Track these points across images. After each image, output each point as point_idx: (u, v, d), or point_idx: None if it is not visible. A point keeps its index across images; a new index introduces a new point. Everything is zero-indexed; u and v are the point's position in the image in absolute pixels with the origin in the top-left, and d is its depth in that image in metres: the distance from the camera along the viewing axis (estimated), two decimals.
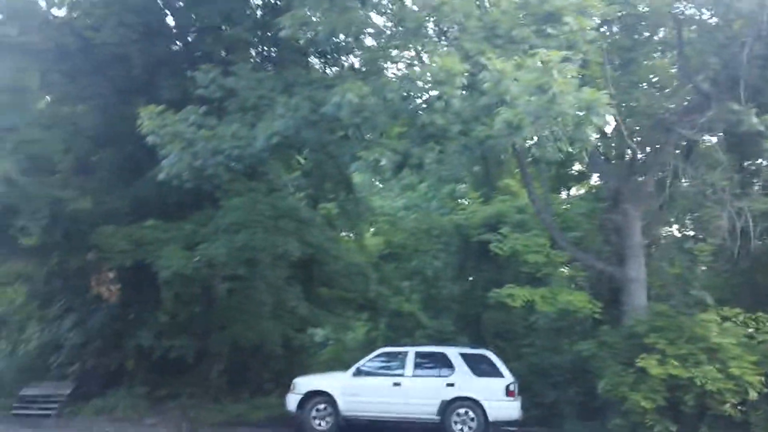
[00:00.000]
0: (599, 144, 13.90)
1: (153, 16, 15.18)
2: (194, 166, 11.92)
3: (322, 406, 13.21)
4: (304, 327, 16.91)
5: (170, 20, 15.75)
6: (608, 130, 13.98)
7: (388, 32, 12.51)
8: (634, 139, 13.92)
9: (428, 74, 10.84)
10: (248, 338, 14.75)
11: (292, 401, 13.45)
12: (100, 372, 15.59)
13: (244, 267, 13.79)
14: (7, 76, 14.81)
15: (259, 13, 15.10)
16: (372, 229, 19.61)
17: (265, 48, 15.09)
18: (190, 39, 15.43)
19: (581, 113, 9.63)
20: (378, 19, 12.57)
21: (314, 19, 11.89)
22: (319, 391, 13.31)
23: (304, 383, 13.57)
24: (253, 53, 15.14)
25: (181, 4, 15.56)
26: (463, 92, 10.54)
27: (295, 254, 13.92)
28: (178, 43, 15.56)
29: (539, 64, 9.52)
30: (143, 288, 15.26)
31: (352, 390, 13.18)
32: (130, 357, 15.59)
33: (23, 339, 17.05)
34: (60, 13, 15.46)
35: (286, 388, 13.73)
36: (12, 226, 14.30)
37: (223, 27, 14.61)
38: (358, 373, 13.42)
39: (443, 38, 12.15)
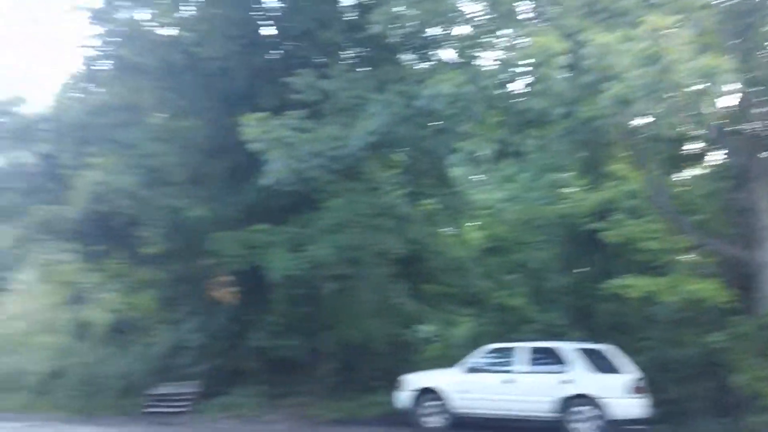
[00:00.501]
0: (722, 118, 12.17)
1: (252, 27, 15.05)
2: (295, 170, 11.56)
3: (431, 403, 12.59)
4: (409, 324, 16.22)
5: (268, 30, 15.50)
6: (731, 101, 12.22)
7: (481, 20, 11.54)
8: (760, 111, 12.11)
9: (525, 57, 9.83)
10: (355, 336, 14.27)
11: (401, 398, 12.90)
12: (223, 371, 15.55)
13: (348, 266, 13.28)
14: (125, 95, 15.16)
15: (350, 14, 14.56)
16: (473, 223, 18.55)
17: (358, 48, 14.52)
18: (287, 46, 15.10)
19: (700, 83, 8.26)
20: (469, 8, 11.65)
21: (404, 13, 11.19)
22: (428, 388, 12.69)
23: (412, 380, 13.00)
24: (347, 55, 14.60)
25: (278, 13, 15.29)
26: (563, 74, 9.45)
27: (397, 251, 13.27)
28: (276, 51, 15.27)
29: (647, 33, 8.24)
30: (257, 290, 15.13)
31: (462, 387, 12.45)
32: (248, 357, 15.45)
33: (153, 341, 17.37)
34: (168, 32, 15.56)
35: (395, 385, 13.13)
36: (137, 236, 14.58)
37: (317, 32, 14.14)
38: (468, 369, 12.67)
39: (539, 19, 11.03)
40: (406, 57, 13.91)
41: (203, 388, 15.40)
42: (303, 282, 13.54)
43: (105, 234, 15.25)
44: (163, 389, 15.57)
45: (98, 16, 14.83)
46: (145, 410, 15.26)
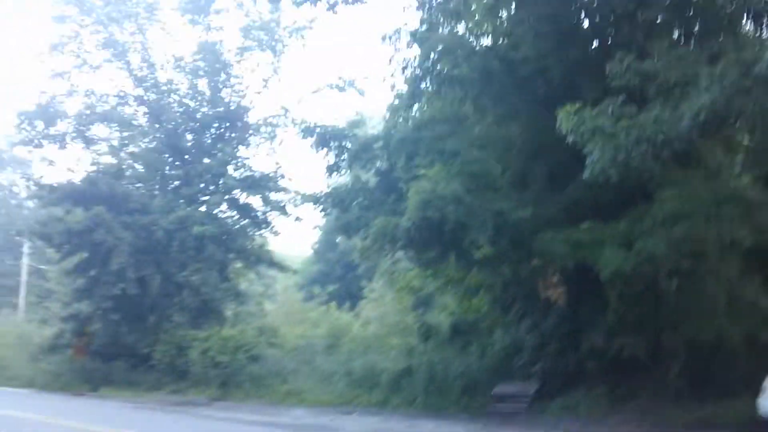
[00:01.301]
0: None
1: (566, 21, 15.75)
2: (618, 160, 11.91)
3: None
4: None
5: (583, 21, 16.07)
6: None
7: None
8: None
9: None
10: (704, 336, 13.77)
11: (763, 406, 12.10)
12: (560, 372, 16.39)
13: (688, 260, 13.01)
14: (446, 108, 17.15)
15: None
16: None
17: (686, 24, 14.20)
18: (604, 34, 15.50)
19: None
20: None
21: None
22: None
23: None
24: (673, 32, 14.38)
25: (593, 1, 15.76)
26: None
27: (746, 242, 12.56)
28: (593, 41, 15.76)
29: None
30: (588, 289, 15.66)
31: None
32: (585, 357, 16.01)
33: (491, 342, 19.01)
34: (484, 41, 17.19)
35: (758, 390, 12.40)
36: (464, 240, 16.30)
37: (637, 12, 14.24)
38: None
39: None
40: (742, 25, 13.24)
41: (541, 388, 16.45)
42: (638, 279, 13.65)
43: (437, 240, 17.25)
44: (502, 389, 17.04)
45: (417, 37, 17.09)
46: (488, 409, 16.83)
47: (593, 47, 15.75)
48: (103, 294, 26.24)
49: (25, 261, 56.01)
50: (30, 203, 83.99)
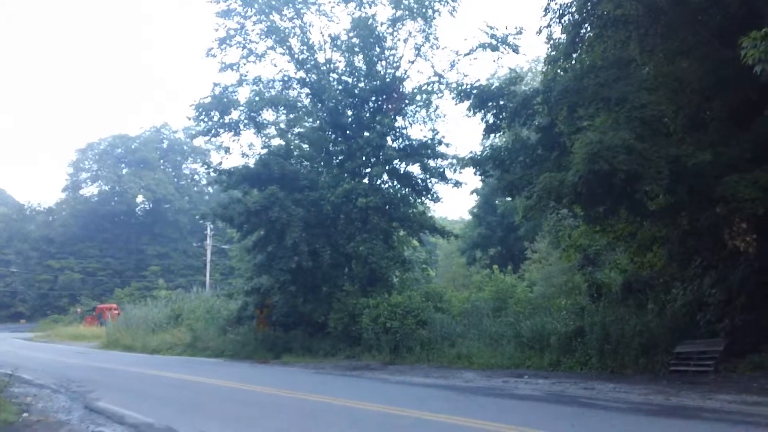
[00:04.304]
0: None
1: None
2: None
3: None
4: None
5: None
6: None
7: None
8: None
9: None
10: None
11: None
12: (750, 327, 14.99)
13: None
14: (609, 51, 16.02)
15: None
16: None
17: None
18: None
19: None
20: None
21: None
22: None
23: None
24: None
25: None
26: None
27: None
28: None
29: None
30: None
31: None
32: None
33: (669, 299, 17.75)
34: None
35: None
36: (638, 192, 15.22)
37: None
38: None
39: None
40: None
41: (729, 345, 15.13)
42: None
43: (606, 194, 16.24)
44: (685, 347, 15.85)
45: None
46: (670, 368, 15.71)
47: None
48: (280, 267, 27.40)
49: (209, 242, 60.80)
50: (210, 189, 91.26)
